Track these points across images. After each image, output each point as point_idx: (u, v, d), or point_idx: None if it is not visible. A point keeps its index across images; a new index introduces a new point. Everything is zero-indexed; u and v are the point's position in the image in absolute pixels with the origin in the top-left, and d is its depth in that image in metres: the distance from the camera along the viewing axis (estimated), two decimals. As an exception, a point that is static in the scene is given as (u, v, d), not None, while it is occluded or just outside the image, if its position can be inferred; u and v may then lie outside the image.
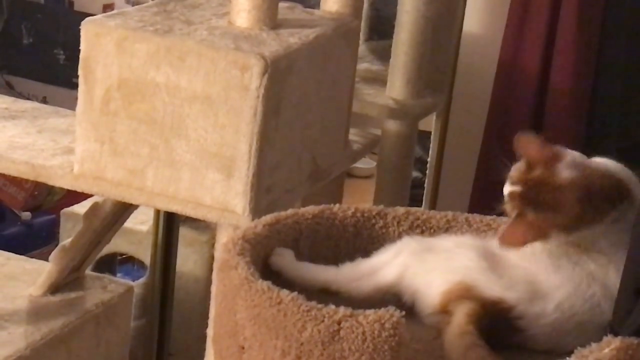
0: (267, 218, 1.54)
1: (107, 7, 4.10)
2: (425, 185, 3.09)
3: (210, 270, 2.16)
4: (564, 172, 1.44)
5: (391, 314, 1.28)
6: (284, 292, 1.32)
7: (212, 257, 2.18)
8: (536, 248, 1.46)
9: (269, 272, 1.47)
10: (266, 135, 1.90)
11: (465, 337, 1.34)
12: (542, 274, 1.43)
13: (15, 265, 2.35)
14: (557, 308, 1.40)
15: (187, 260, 2.57)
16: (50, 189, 3.45)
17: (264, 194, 1.94)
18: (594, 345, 1.28)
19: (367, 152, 2.49)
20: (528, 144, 1.48)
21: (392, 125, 2.72)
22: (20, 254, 2.44)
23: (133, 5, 3.32)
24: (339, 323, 1.28)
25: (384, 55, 2.83)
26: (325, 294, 1.44)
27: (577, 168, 1.45)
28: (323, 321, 1.28)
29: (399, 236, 1.57)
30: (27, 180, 3.17)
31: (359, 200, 3.30)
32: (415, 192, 3.03)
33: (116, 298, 2.28)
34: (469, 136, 3.08)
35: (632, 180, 1.47)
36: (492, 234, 1.56)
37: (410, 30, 2.69)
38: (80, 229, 2.18)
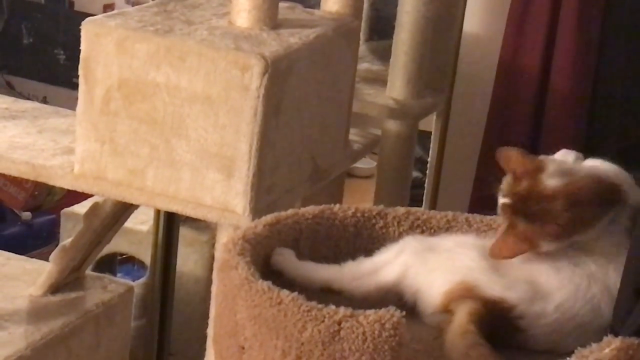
0: (268, 218, 1.54)
1: (108, 7, 4.11)
2: (426, 185, 3.09)
3: (211, 270, 2.16)
4: (550, 182, 1.45)
5: (391, 314, 1.28)
6: (284, 292, 1.32)
7: (212, 257, 2.18)
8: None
9: (269, 272, 1.47)
10: (266, 135, 1.90)
11: (466, 336, 1.34)
12: (542, 275, 1.43)
13: (15, 265, 2.35)
14: (558, 308, 1.41)
15: (187, 260, 2.57)
16: (50, 189, 3.45)
17: (264, 194, 1.94)
18: (594, 345, 1.28)
19: (368, 152, 2.49)
20: (510, 158, 1.49)
21: (393, 125, 2.72)
22: (21, 254, 2.44)
23: (133, 6, 3.32)
24: (339, 323, 1.28)
25: (384, 56, 2.83)
26: (326, 294, 1.45)
27: (563, 176, 1.46)
28: (323, 321, 1.28)
29: (399, 236, 1.57)
30: (27, 180, 3.17)
31: (359, 200, 3.30)
32: (416, 192, 3.03)
33: (116, 298, 2.28)
34: (469, 136, 3.08)
35: (625, 181, 1.48)
36: (492, 234, 1.56)
37: (411, 30, 2.69)
38: (81, 229, 2.18)
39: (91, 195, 2.18)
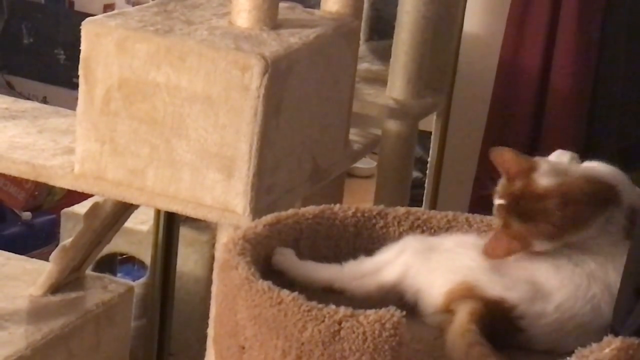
0: (268, 218, 1.54)
1: (108, 7, 4.11)
2: (426, 185, 3.09)
3: (211, 270, 2.16)
4: (542, 181, 1.45)
5: (392, 313, 1.28)
6: (285, 292, 1.32)
7: (212, 257, 2.18)
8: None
9: (269, 272, 1.47)
10: (266, 135, 1.90)
11: (467, 335, 1.34)
12: (543, 275, 1.43)
13: (15, 265, 2.35)
14: (558, 308, 1.41)
15: (187, 260, 2.57)
16: (50, 189, 3.45)
17: (264, 194, 1.94)
18: (594, 345, 1.28)
19: (368, 152, 2.49)
20: (503, 158, 1.49)
21: (393, 125, 2.72)
22: (21, 254, 2.44)
23: (133, 6, 3.32)
24: (339, 323, 1.28)
25: (384, 56, 2.83)
26: (327, 294, 1.45)
27: (556, 175, 1.46)
28: (324, 321, 1.28)
29: (400, 236, 1.57)
30: (27, 180, 3.17)
31: (359, 200, 3.30)
32: (416, 192, 3.03)
33: (116, 298, 2.28)
34: (470, 136, 3.08)
35: (621, 182, 1.48)
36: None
37: (411, 30, 2.69)
38: (81, 229, 2.18)
39: (91, 195, 2.18)
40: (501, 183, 1.49)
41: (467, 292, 1.41)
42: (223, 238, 1.94)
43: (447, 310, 1.41)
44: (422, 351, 1.39)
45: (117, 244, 2.53)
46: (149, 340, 2.49)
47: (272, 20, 2.01)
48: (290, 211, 1.57)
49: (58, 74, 4.20)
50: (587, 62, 2.94)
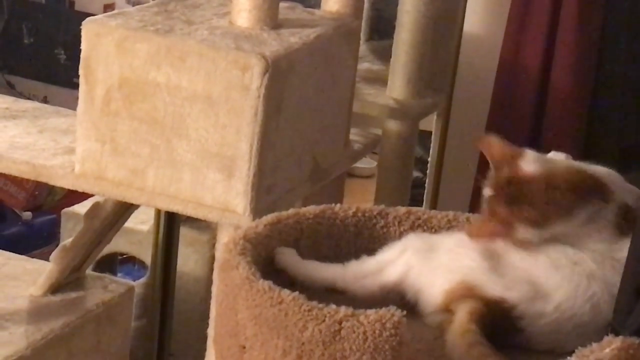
0: (268, 218, 1.54)
1: (108, 7, 4.11)
2: (426, 185, 3.09)
3: (211, 270, 2.16)
4: (528, 167, 1.47)
5: (392, 313, 1.28)
6: (285, 292, 1.32)
7: (212, 257, 2.18)
8: (537, 248, 1.46)
9: (270, 271, 1.47)
10: (267, 135, 1.90)
11: (467, 335, 1.34)
12: (542, 274, 1.43)
13: (15, 265, 2.35)
14: (557, 308, 1.41)
15: (187, 260, 2.57)
16: (51, 189, 3.46)
17: (264, 193, 1.94)
18: (594, 345, 1.28)
19: (368, 152, 2.49)
20: (490, 145, 1.50)
21: (393, 125, 2.72)
22: (21, 254, 2.44)
23: (134, 5, 3.32)
24: (340, 323, 1.28)
25: (384, 55, 2.83)
26: (327, 294, 1.45)
27: (542, 163, 1.48)
28: (324, 321, 1.28)
29: (400, 236, 1.57)
30: (27, 180, 3.18)
31: (359, 200, 3.30)
32: (416, 191, 3.03)
33: (117, 298, 2.28)
34: (470, 136, 3.07)
35: (613, 181, 1.48)
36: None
37: (411, 30, 2.68)
38: (81, 228, 2.18)
39: (92, 195, 2.18)
40: (489, 174, 1.50)
41: (467, 292, 1.41)
42: (223, 238, 1.94)
43: (447, 310, 1.41)
44: (423, 351, 1.39)
45: (117, 244, 2.53)
46: (149, 340, 2.50)
47: (272, 20, 2.01)
48: (291, 211, 1.57)
49: (58, 73, 4.20)
50: (588, 62, 2.94)
